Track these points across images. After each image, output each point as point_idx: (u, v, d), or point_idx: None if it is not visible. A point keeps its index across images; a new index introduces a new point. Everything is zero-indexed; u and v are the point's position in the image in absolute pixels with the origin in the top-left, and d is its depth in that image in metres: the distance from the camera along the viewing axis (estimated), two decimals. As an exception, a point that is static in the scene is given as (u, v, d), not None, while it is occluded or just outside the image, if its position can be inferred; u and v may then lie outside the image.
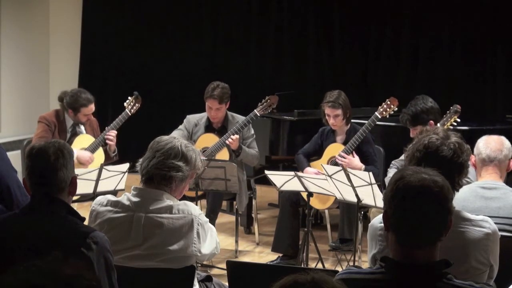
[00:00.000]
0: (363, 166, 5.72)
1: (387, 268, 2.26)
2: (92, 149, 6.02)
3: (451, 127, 5.36)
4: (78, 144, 6.03)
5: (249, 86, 8.28)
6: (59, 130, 6.04)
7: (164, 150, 3.24)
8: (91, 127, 6.21)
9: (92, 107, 6.04)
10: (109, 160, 6.11)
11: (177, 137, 3.39)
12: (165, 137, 3.35)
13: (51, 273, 1.69)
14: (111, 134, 6.03)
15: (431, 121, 5.39)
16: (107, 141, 6.03)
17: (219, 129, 6.17)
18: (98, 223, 3.23)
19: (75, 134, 6.11)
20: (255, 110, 6.05)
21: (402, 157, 5.51)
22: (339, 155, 5.77)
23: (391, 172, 5.41)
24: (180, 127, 6.24)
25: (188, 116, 6.29)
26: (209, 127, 6.18)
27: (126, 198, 3.27)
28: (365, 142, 5.89)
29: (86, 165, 5.90)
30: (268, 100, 6.08)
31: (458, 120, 5.47)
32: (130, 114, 6.18)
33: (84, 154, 5.93)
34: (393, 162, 5.58)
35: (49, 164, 2.81)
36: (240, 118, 6.15)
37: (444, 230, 2.26)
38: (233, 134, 5.97)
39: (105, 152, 6.12)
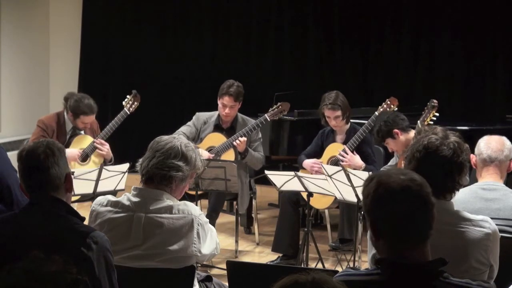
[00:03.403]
0: (363, 165, 5.73)
1: (383, 269, 2.26)
2: (91, 149, 6.01)
3: (431, 122, 5.38)
4: (76, 144, 6.03)
5: (249, 86, 8.26)
6: (58, 133, 6.01)
7: (164, 150, 3.24)
8: (91, 129, 6.20)
9: (92, 118, 6.00)
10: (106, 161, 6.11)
11: (177, 136, 3.38)
12: (165, 137, 3.34)
13: (34, 273, 1.69)
14: (104, 149, 5.99)
15: (395, 130, 5.42)
16: (99, 151, 6.00)
17: (228, 129, 6.17)
18: (98, 223, 3.23)
19: (74, 135, 6.09)
20: (265, 115, 6.05)
21: (391, 162, 5.53)
22: (343, 150, 5.78)
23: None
24: (189, 123, 6.24)
25: (198, 113, 6.28)
26: (218, 126, 6.18)
27: (126, 198, 3.27)
28: (364, 142, 5.90)
29: (76, 163, 5.90)
30: (280, 107, 6.07)
31: (437, 114, 5.48)
32: (129, 113, 6.17)
33: (72, 151, 5.90)
34: (381, 169, 5.59)
35: (39, 163, 2.82)
36: (250, 121, 6.15)
37: (432, 224, 2.27)
38: (241, 136, 5.97)
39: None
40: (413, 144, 3.01)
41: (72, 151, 5.90)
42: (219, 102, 6.10)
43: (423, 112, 5.48)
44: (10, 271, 1.70)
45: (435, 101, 5.48)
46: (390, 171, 2.34)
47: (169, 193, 3.27)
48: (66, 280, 1.71)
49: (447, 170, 2.91)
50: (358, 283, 2.27)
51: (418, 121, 5.39)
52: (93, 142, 5.99)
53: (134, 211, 3.22)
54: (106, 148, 6.00)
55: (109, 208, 3.26)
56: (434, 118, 5.46)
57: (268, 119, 6.07)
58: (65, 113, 6.07)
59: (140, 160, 3.31)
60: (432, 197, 2.29)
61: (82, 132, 6.13)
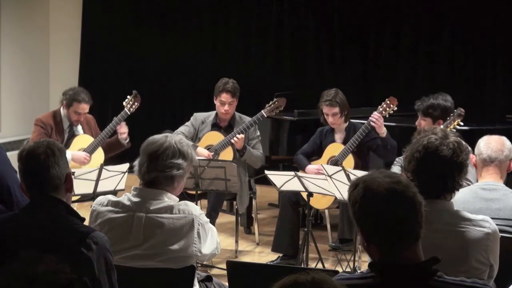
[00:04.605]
0: (385, 131, 5.76)
1: (377, 272, 2.25)
2: (91, 149, 6.01)
3: (454, 130, 5.34)
4: (76, 145, 6.03)
5: (249, 86, 8.27)
6: (56, 131, 6.02)
7: (161, 151, 3.23)
8: (88, 125, 6.19)
9: (83, 107, 5.99)
10: (120, 148, 6.11)
11: (168, 135, 3.36)
12: (157, 137, 3.32)
13: (27, 274, 1.69)
14: (124, 131, 6.06)
15: (441, 120, 5.39)
16: (121, 136, 6.05)
17: (226, 128, 6.17)
18: (98, 223, 3.23)
19: (73, 135, 6.09)
20: (262, 111, 6.05)
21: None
22: (375, 114, 5.72)
23: (395, 169, 5.39)
24: (187, 123, 6.26)
25: (195, 114, 6.30)
26: (215, 125, 6.18)
27: (126, 198, 3.27)
28: (366, 136, 5.85)
29: (81, 166, 5.89)
30: (276, 102, 6.08)
31: (461, 123, 5.45)
32: (129, 113, 6.18)
33: (79, 154, 5.91)
34: (396, 159, 5.57)
35: (40, 164, 2.82)
36: (247, 119, 6.15)
37: (422, 223, 2.27)
38: (239, 134, 5.97)
39: (117, 142, 6.11)
40: (413, 144, 3.01)
41: (79, 154, 5.91)
42: (216, 101, 6.11)
43: (448, 118, 5.43)
44: (2, 273, 1.69)
45: (462, 109, 5.43)
46: (374, 174, 2.32)
47: (171, 192, 3.27)
48: (60, 280, 1.70)
49: (447, 170, 2.92)
50: (353, 287, 2.26)
51: (441, 126, 5.35)
52: (103, 137, 6.00)
53: (134, 211, 3.22)
54: (125, 130, 6.10)
55: (109, 208, 3.26)
56: (458, 127, 5.41)
57: (265, 115, 6.07)
58: (61, 110, 6.07)
59: (136, 164, 3.30)
60: (420, 195, 2.29)
61: (81, 131, 6.13)
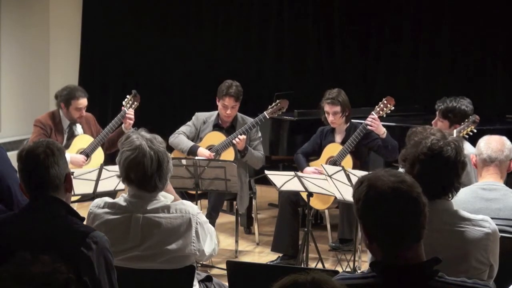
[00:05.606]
0: (385, 132, 5.72)
1: (378, 271, 2.25)
2: (91, 150, 6.00)
3: (467, 136, 5.32)
4: (76, 145, 6.01)
5: (249, 86, 8.27)
6: (55, 132, 6.00)
7: (161, 160, 3.20)
8: (88, 124, 6.17)
9: (83, 101, 5.97)
10: None
11: (139, 143, 3.25)
12: (138, 153, 3.22)
13: (22, 276, 1.67)
14: (132, 117, 5.99)
15: (456, 125, 5.37)
16: (129, 120, 5.99)
17: (228, 128, 6.17)
18: (96, 226, 3.21)
19: (72, 135, 6.07)
20: (264, 112, 6.05)
21: None
22: (370, 117, 5.72)
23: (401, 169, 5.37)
24: (189, 123, 6.25)
25: (197, 113, 6.29)
26: (217, 126, 6.18)
27: (122, 199, 3.26)
28: (366, 138, 5.85)
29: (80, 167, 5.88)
30: (279, 104, 6.07)
31: (475, 130, 5.38)
32: (127, 112, 6.15)
33: (77, 158, 5.89)
34: None
35: (39, 163, 2.82)
36: (249, 120, 6.15)
37: (425, 224, 2.27)
38: (241, 134, 5.96)
39: (119, 136, 6.07)
40: (413, 146, 2.99)
41: (77, 157, 5.89)
42: (219, 104, 6.10)
43: (462, 124, 5.40)
44: None
45: (477, 117, 5.40)
46: (379, 173, 2.32)
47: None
48: (58, 280, 1.69)
49: (453, 169, 2.92)
50: (354, 287, 2.26)
51: (455, 130, 5.32)
52: (125, 113, 5.97)
53: (131, 212, 3.22)
54: (132, 117, 6.02)
55: (106, 210, 3.25)
56: (471, 133, 5.39)
57: (267, 117, 6.06)
58: (60, 111, 6.05)
59: (126, 194, 3.28)
60: (424, 196, 2.28)
61: (80, 130, 6.11)
